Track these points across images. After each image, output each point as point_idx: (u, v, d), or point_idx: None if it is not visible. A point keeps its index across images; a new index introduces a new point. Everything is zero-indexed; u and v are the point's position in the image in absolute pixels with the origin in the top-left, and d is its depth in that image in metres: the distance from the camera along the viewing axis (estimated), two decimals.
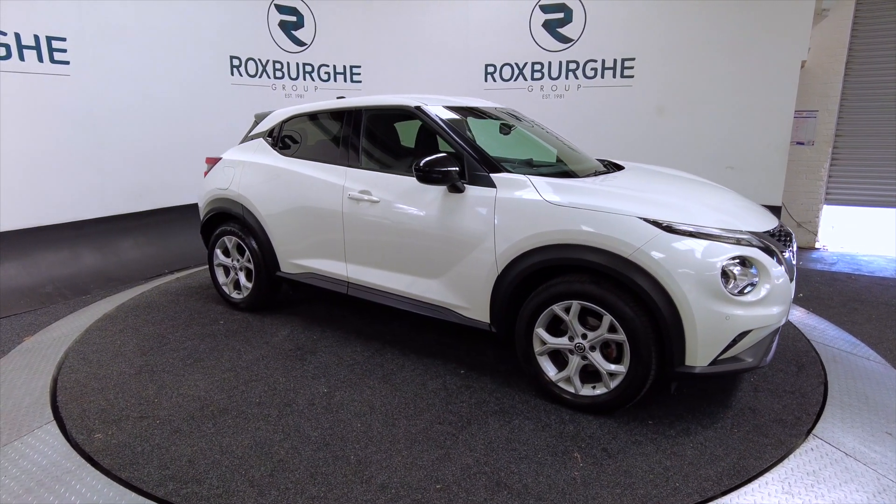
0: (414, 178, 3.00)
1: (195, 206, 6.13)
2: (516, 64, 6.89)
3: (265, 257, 3.82)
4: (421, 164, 2.81)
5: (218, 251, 4.16)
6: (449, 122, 3.15)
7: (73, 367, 3.23)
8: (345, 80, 7.52)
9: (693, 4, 5.91)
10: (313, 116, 3.82)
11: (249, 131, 4.14)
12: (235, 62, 6.35)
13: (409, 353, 3.36)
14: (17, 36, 4.58)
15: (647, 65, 6.25)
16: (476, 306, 2.91)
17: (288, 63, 6.94)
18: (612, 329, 2.51)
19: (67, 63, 4.91)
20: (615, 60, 6.39)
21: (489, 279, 2.80)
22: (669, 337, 2.39)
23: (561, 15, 6.54)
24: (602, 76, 6.50)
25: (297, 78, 7.07)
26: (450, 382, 2.97)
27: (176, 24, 5.72)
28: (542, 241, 2.60)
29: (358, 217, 3.27)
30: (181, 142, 5.92)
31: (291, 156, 3.76)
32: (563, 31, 6.58)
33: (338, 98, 3.98)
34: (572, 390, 2.68)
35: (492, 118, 3.62)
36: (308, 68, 7.15)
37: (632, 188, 2.77)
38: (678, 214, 2.46)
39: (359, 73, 7.58)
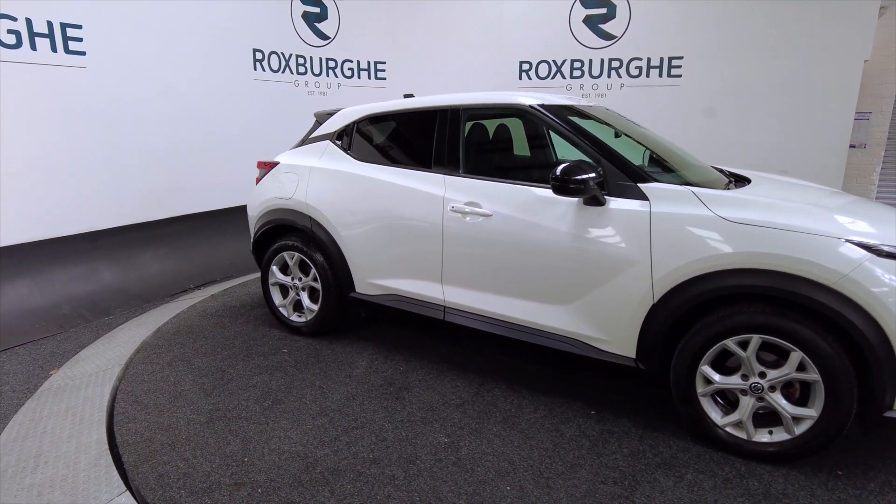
0: (532, 188, 2.67)
1: (219, 212, 5.59)
2: (554, 61, 6.51)
3: (337, 276, 3.33)
4: (558, 173, 2.41)
5: (274, 268, 3.64)
6: (574, 124, 2.74)
7: (128, 413, 2.72)
8: (368, 77, 7.04)
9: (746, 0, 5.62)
10: (394, 117, 3.36)
11: (310, 132, 3.64)
12: (258, 56, 5.81)
13: (520, 387, 2.93)
14: (29, 22, 3.99)
15: (696, 64, 5.94)
16: (618, 339, 2.51)
17: (311, 58, 6.42)
18: (800, 367, 2.15)
19: (83, 54, 4.33)
20: (662, 59, 6.07)
21: (640, 309, 2.40)
22: (881, 378, 2.04)
23: (604, 10, 6.20)
24: (647, 75, 6.17)
25: (319, 74, 6.56)
26: (586, 427, 2.56)
27: (199, 14, 5.16)
28: (717, 266, 2.21)
29: (463, 233, 2.84)
30: (204, 141, 5.37)
31: (370, 161, 3.29)
32: (606, 27, 6.23)
33: (405, 96, 3.54)
34: (744, 436, 2.31)
35: (593, 119, 3.21)
36: (331, 63, 6.65)
37: (807, 202, 2.41)
38: (875, 234, 2.12)
39: (383, 70, 7.11)
